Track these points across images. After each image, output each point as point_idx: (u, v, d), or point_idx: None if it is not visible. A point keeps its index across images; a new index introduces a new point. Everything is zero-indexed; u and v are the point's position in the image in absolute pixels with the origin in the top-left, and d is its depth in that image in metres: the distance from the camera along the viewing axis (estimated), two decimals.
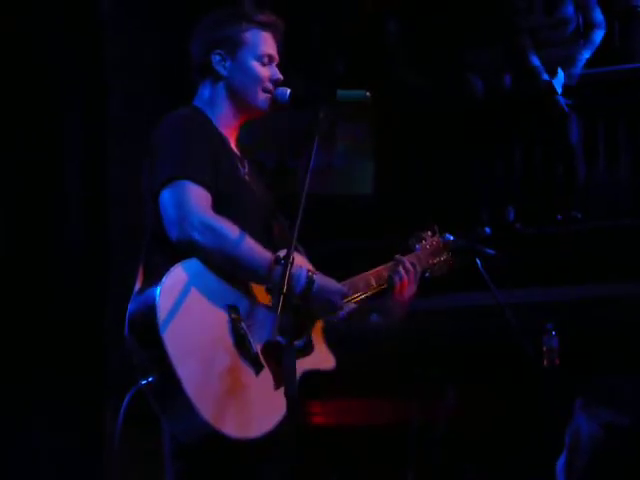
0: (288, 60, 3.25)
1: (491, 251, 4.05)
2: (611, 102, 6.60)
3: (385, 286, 3.21)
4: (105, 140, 6.01)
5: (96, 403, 5.79)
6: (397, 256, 3.27)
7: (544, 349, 5.21)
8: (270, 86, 3.15)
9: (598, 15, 6.63)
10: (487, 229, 6.40)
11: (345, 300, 3.04)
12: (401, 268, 3.22)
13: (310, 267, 3.02)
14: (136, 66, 6.07)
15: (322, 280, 2.97)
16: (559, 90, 6.48)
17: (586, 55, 6.57)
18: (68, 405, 5.76)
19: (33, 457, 5.75)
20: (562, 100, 6.47)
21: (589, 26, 6.64)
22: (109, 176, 6.01)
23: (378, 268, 3.24)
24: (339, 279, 3.12)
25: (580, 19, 6.66)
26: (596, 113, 6.63)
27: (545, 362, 5.17)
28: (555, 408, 4.76)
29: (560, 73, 6.49)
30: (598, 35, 6.61)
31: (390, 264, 3.25)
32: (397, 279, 3.21)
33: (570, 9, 6.65)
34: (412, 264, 3.24)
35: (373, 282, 3.20)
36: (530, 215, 6.59)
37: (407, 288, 3.22)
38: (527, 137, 6.72)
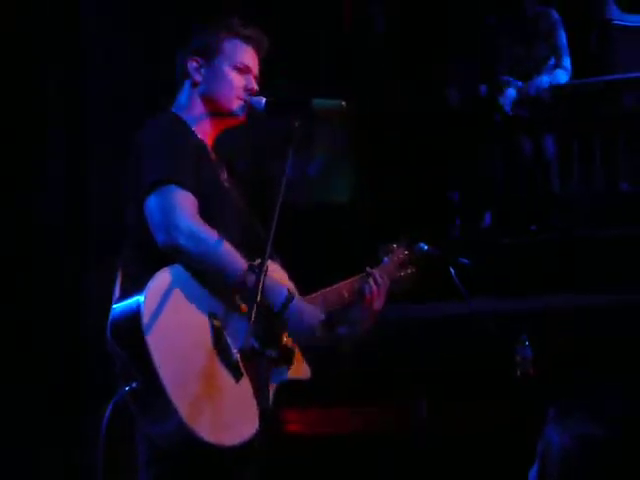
0: (270, 69, 3.26)
1: (465, 260, 4.07)
2: (587, 114, 6.65)
3: (356, 298, 3.24)
4: (86, 143, 5.99)
5: (75, 416, 5.76)
6: (367, 268, 3.30)
7: (517, 359, 5.23)
8: (244, 95, 3.16)
9: (567, 61, 6.70)
10: (461, 238, 6.46)
11: (320, 325, 3.05)
12: (371, 280, 3.25)
13: (291, 286, 3.04)
14: (118, 68, 6.06)
15: (301, 302, 2.99)
16: (508, 109, 6.54)
17: (545, 80, 6.63)
18: (46, 417, 5.73)
19: (11, 470, 5.71)
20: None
21: (558, 66, 6.72)
22: (90, 179, 5.99)
23: (349, 280, 3.27)
24: (313, 288, 3.14)
25: (551, 62, 6.74)
26: (571, 125, 6.68)
27: (518, 372, 5.19)
28: (528, 418, 4.78)
29: (510, 91, 6.55)
30: (562, 76, 6.67)
31: (360, 276, 3.28)
32: (367, 291, 3.24)
33: (543, 50, 6.74)
34: (381, 276, 3.28)
35: (345, 294, 3.23)
36: (505, 224, 6.62)
37: (376, 300, 3.25)
38: (505, 148, 6.76)
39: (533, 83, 6.63)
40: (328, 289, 3.20)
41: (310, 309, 3.02)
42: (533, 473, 1.96)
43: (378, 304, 3.26)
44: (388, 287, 3.32)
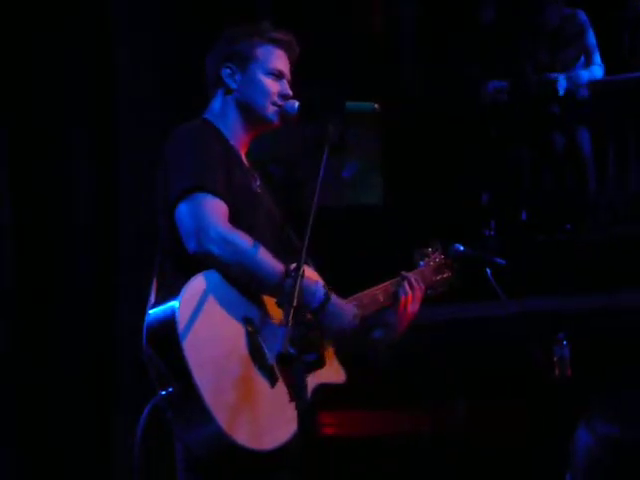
0: (300, 73, 3.26)
1: (501, 260, 4.05)
2: (621, 111, 6.60)
3: (391, 302, 3.23)
4: (115, 151, 6.02)
5: (106, 419, 5.78)
6: (403, 272, 3.30)
7: (555, 359, 5.20)
8: (279, 100, 3.16)
9: (597, 57, 6.66)
10: (496, 238, 6.44)
11: (356, 320, 3.04)
12: (406, 284, 3.25)
13: (325, 284, 3.03)
14: (147, 77, 6.07)
15: (337, 298, 2.99)
16: (561, 93, 6.50)
17: (585, 75, 6.59)
18: (77, 421, 5.75)
19: (44, 471, 5.74)
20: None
21: (586, 50, 6.68)
22: (120, 186, 6.01)
23: (384, 284, 3.26)
24: (348, 292, 3.14)
25: (582, 60, 6.71)
26: (606, 122, 6.63)
27: (557, 373, 5.15)
28: (568, 419, 4.75)
29: (562, 79, 6.51)
30: (598, 71, 6.64)
31: (395, 280, 3.28)
32: (402, 295, 3.24)
33: (571, 53, 6.70)
34: (417, 281, 3.27)
35: (380, 298, 3.23)
36: (540, 223, 6.59)
37: (411, 304, 3.25)
38: (537, 147, 6.73)
39: (577, 74, 6.59)
40: (363, 293, 3.20)
41: (345, 305, 3.02)
42: (568, 477, 1.96)
43: (413, 308, 3.25)
44: (424, 291, 3.32)
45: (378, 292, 3.23)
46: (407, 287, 3.25)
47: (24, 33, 5.81)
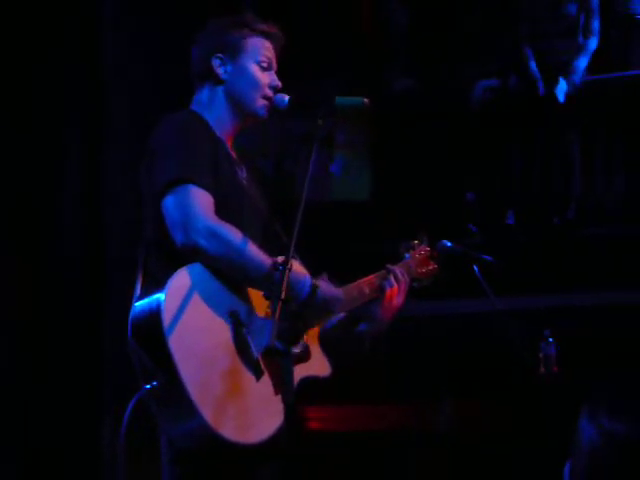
0: (288, 67, 3.26)
1: (488, 257, 4.06)
2: (608, 110, 6.61)
3: (377, 295, 3.24)
4: (103, 143, 6.01)
5: (94, 413, 5.78)
6: (388, 265, 3.31)
7: (541, 356, 5.22)
8: (269, 92, 3.16)
9: (596, 23, 6.66)
10: (483, 235, 6.45)
11: (340, 305, 3.05)
12: (392, 277, 3.26)
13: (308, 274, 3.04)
14: (137, 71, 6.07)
15: (324, 287, 2.99)
16: (561, 99, 6.50)
17: (584, 63, 6.60)
18: (65, 415, 5.75)
19: (32, 467, 5.73)
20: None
21: (587, 32, 6.67)
22: (106, 179, 6.00)
23: (370, 277, 3.27)
24: (335, 286, 3.14)
25: (581, 20, 6.69)
26: (593, 121, 6.65)
27: (543, 369, 5.17)
28: (554, 416, 4.77)
29: (562, 82, 6.51)
30: (593, 42, 6.65)
31: (381, 273, 3.29)
32: (388, 287, 3.24)
33: (573, 8, 6.67)
34: (402, 273, 3.28)
35: (366, 291, 3.24)
36: (528, 221, 6.60)
37: (397, 297, 3.26)
38: (525, 145, 6.74)
39: (577, 70, 6.58)
40: (349, 286, 3.20)
41: (331, 293, 3.02)
42: (567, 469, 1.96)
43: (398, 301, 3.27)
44: (409, 284, 3.33)
45: (364, 285, 3.24)
46: (393, 280, 3.26)
47: (15, 31, 5.79)
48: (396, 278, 3.26)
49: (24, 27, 5.82)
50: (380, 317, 3.25)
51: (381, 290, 3.24)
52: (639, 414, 1.87)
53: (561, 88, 6.51)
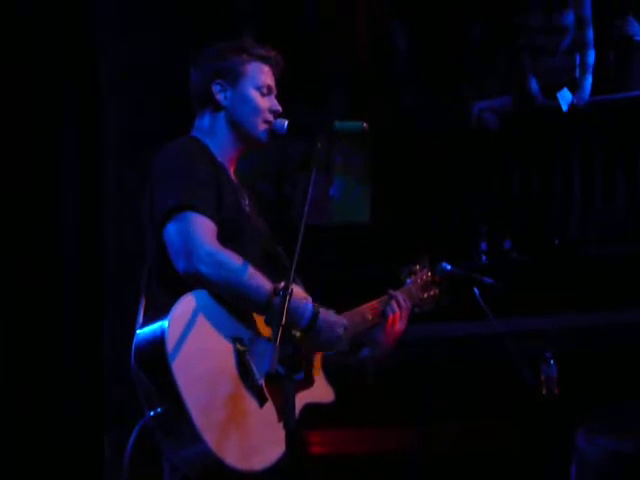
0: (287, 91, 3.27)
1: (489, 280, 4.06)
2: (608, 130, 6.62)
3: (379, 320, 3.23)
4: (101, 164, 6.01)
5: (95, 438, 5.76)
6: (390, 291, 3.32)
7: (543, 378, 5.20)
8: (270, 117, 3.17)
9: (590, 34, 6.68)
10: (483, 257, 6.44)
11: (344, 333, 3.04)
12: (394, 303, 3.26)
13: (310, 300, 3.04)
14: (134, 84, 6.07)
15: (325, 314, 2.99)
16: (565, 108, 6.51)
17: (589, 79, 6.61)
18: (67, 437, 5.73)
19: None
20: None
21: (583, 45, 6.68)
22: (105, 200, 6.00)
23: (371, 302, 3.29)
24: (337, 311, 3.13)
25: (574, 33, 6.71)
26: (593, 141, 6.65)
27: (544, 391, 5.15)
28: (556, 438, 4.75)
29: (566, 91, 6.52)
30: (591, 56, 6.66)
31: (383, 298, 3.30)
32: (390, 313, 3.25)
33: (570, 18, 6.69)
34: (404, 299, 3.29)
35: (369, 316, 3.25)
36: (527, 242, 6.60)
37: (398, 323, 3.27)
38: (525, 163, 6.75)
39: (584, 87, 6.59)
40: (351, 311, 3.20)
41: (333, 319, 3.01)
42: None
43: (400, 326, 3.28)
44: (410, 309, 3.33)
45: (366, 310, 3.25)
46: (395, 305, 3.27)
47: (14, 47, 5.81)
48: (398, 304, 3.27)
49: (23, 43, 5.83)
50: (382, 343, 3.25)
51: (383, 316, 3.25)
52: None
53: (564, 97, 6.51)
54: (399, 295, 3.29)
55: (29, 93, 5.87)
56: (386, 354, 3.28)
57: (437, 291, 3.55)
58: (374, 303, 3.27)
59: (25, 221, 5.81)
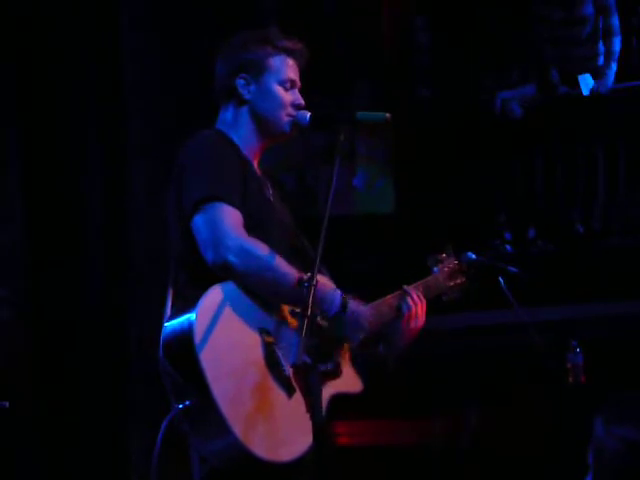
0: (311, 82, 3.27)
1: (514, 269, 4.05)
2: (631, 119, 6.58)
3: (394, 316, 3.22)
4: (126, 162, 6.02)
5: (121, 432, 5.78)
6: (404, 287, 3.26)
7: (569, 366, 5.19)
8: (293, 111, 3.16)
9: (616, 21, 6.64)
10: (508, 247, 6.43)
11: (370, 321, 3.04)
12: (409, 299, 3.22)
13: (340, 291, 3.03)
14: (157, 87, 6.08)
15: (354, 304, 2.99)
16: (586, 92, 6.48)
17: (614, 67, 6.59)
18: (93, 435, 5.76)
19: None
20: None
21: (608, 32, 6.65)
22: (130, 198, 6.02)
23: (387, 297, 3.24)
24: (360, 301, 3.13)
25: (600, 22, 6.67)
26: (616, 129, 6.62)
27: (570, 379, 5.15)
28: (579, 427, 4.74)
29: (587, 76, 6.49)
30: (617, 43, 6.63)
31: (398, 293, 3.25)
32: (405, 309, 3.21)
33: (589, 9, 6.66)
34: (418, 296, 3.25)
35: (385, 311, 3.20)
36: (551, 232, 6.58)
37: (414, 320, 3.22)
38: (548, 153, 6.73)
39: (607, 78, 6.57)
40: (368, 306, 3.15)
41: (362, 310, 3.01)
42: None
43: (416, 322, 3.22)
44: (436, 298, 3.31)
45: (382, 305, 3.21)
46: (410, 302, 3.22)
47: (36, 48, 5.83)
48: (413, 300, 3.22)
49: (45, 43, 5.85)
50: (399, 339, 3.22)
51: (398, 311, 3.22)
52: None
53: (586, 82, 6.48)
54: (413, 291, 3.24)
55: (53, 94, 5.90)
56: (402, 351, 3.26)
57: (464, 279, 3.52)
58: (389, 298, 3.23)
59: (52, 222, 5.85)
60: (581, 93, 6.52)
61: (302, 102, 3.18)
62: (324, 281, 2.97)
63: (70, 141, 5.95)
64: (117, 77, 6.00)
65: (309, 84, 3.28)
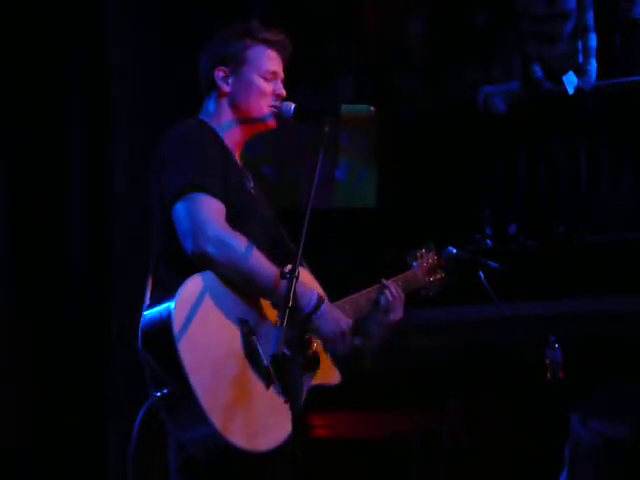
0: (295, 75, 3.26)
1: (494, 264, 4.06)
2: (614, 115, 6.61)
3: (372, 309, 3.22)
4: (109, 151, 6.01)
5: (99, 421, 5.79)
6: (383, 280, 3.28)
7: (547, 362, 5.21)
8: (274, 101, 3.16)
9: (590, 18, 6.67)
10: (489, 242, 6.44)
11: (347, 327, 3.03)
12: (387, 292, 3.23)
13: (320, 290, 3.04)
14: (141, 76, 6.07)
15: (330, 307, 2.99)
16: (571, 91, 6.50)
17: (594, 63, 6.61)
18: (70, 423, 5.76)
19: (39, 474, 5.74)
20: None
21: (584, 29, 6.68)
22: (113, 188, 6.01)
23: (365, 290, 3.25)
24: (342, 294, 3.13)
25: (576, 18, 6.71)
26: (599, 126, 6.65)
27: (548, 375, 5.16)
28: (556, 422, 4.77)
29: (571, 75, 6.51)
30: (592, 39, 6.66)
31: (376, 287, 3.26)
32: (384, 302, 3.22)
33: (572, 3, 6.68)
34: (396, 289, 3.26)
35: (363, 304, 3.21)
36: (533, 228, 6.60)
37: (392, 313, 3.23)
38: (531, 149, 6.74)
39: (589, 75, 6.59)
40: (345, 299, 3.18)
41: (339, 314, 3.02)
42: (563, 478, 1.96)
43: (394, 316, 3.24)
44: (404, 299, 3.31)
45: (360, 299, 3.22)
46: (388, 295, 3.23)
47: (20, 32, 5.81)
48: (391, 293, 3.23)
49: (29, 28, 5.83)
50: (376, 332, 3.23)
51: (376, 305, 3.23)
52: (638, 417, 1.88)
53: (570, 81, 6.50)
54: (392, 285, 3.26)
55: (35, 78, 5.89)
56: (380, 344, 3.26)
57: (443, 275, 3.54)
58: (368, 291, 3.24)
59: (34, 210, 5.84)
60: (566, 91, 6.53)
61: (283, 92, 3.18)
62: (304, 275, 2.97)
63: (54, 126, 5.93)
64: (101, 61, 5.99)
65: (293, 77, 3.28)
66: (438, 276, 3.53)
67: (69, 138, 6.00)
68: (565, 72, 6.58)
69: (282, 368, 2.63)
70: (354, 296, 3.21)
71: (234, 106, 3.17)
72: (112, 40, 6.03)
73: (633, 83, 6.66)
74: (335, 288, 3.12)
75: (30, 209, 5.82)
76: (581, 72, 6.64)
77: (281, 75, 3.21)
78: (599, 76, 6.68)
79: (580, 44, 6.70)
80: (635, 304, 5.84)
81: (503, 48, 7.05)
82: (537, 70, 6.74)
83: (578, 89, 6.59)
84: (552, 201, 6.65)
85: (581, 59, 6.70)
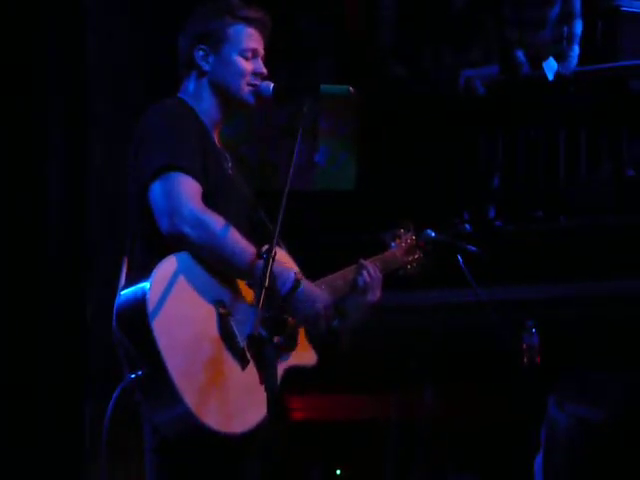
0: (274, 54, 3.24)
1: (473, 247, 4.06)
2: (593, 100, 6.62)
3: (350, 289, 3.20)
4: (87, 135, 5.98)
5: (75, 403, 5.77)
6: (361, 260, 3.25)
7: (524, 347, 5.21)
8: (254, 80, 3.14)
9: (577, 4, 6.68)
10: (467, 226, 6.44)
11: (326, 306, 3.01)
12: (365, 272, 3.21)
13: (297, 270, 3.01)
14: (119, 60, 6.04)
15: (308, 286, 2.96)
16: (550, 77, 6.50)
17: (576, 50, 6.62)
18: (47, 407, 5.74)
19: (12, 461, 5.72)
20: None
21: (569, 15, 6.68)
22: (90, 172, 5.98)
23: (343, 271, 3.22)
24: (319, 276, 3.12)
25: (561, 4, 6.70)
26: (578, 110, 6.65)
27: (525, 360, 5.17)
28: (531, 406, 4.78)
29: (551, 60, 6.51)
30: (578, 26, 6.66)
31: (354, 267, 3.23)
32: (361, 283, 3.20)
33: None
34: (374, 270, 3.23)
35: (340, 285, 3.19)
36: (511, 212, 6.61)
37: (370, 294, 3.20)
38: (509, 133, 6.74)
39: (569, 61, 6.59)
40: (322, 280, 3.15)
41: (316, 292, 2.99)
42: (538, 461, 1.96)
43: (372, 296, 3.21)
44: (394, 273, 3.31)
45: (337, 279, 3.19)
46: (366, 275, 3.21)
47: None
48: (369, 273, 3.21)
49: (6, 16, 5.80)
50: (354, 313, 3.22)
51: (354, 285, 3.21)
52: (614, 401, 1.88)
53: (550, 66, 6.50)
54: (369, 265, 3.23)
55: (13, 66, 5.85)
56: (357, 325, 3.25)
57: (421, 255, 3.54)
58: (345, 272, 3.22)
59: (9, 191, 5.81)
60: (546, 77, 6.53)
61: (264, 70, 3.16)
62: (282, 256, 2.95)
63: (31, 113, 5.90)
64: (79, 47, 5.96)
65: (273, 56, 3.25)
66: (416, 256, 3.53)
67: (46, 121, 5.96)
68: (548, 57, 6.57)
69: (258, 349, 2.61)
70: (331, 277, 3.18)
71: (214, 85, 3.14)
72: (91, 22, 5.99)
73: (613, 69, 6.67)
74: (311, 270, 3.10)
75: (6, 194, 5.79)
76: (562, 58, 6.64)
77: (261, 52, 3.18)
78: (580, 62, 6.69)
79: (565, 30, 6.70)
80: (613, 288, 5.86)
81: (482, 32, 7.03)
82: (519, 55, 6.73)
83: (558, 75, 6.59)
84: (531, 185, 6.65)
85: (565, 44, 6.69)
